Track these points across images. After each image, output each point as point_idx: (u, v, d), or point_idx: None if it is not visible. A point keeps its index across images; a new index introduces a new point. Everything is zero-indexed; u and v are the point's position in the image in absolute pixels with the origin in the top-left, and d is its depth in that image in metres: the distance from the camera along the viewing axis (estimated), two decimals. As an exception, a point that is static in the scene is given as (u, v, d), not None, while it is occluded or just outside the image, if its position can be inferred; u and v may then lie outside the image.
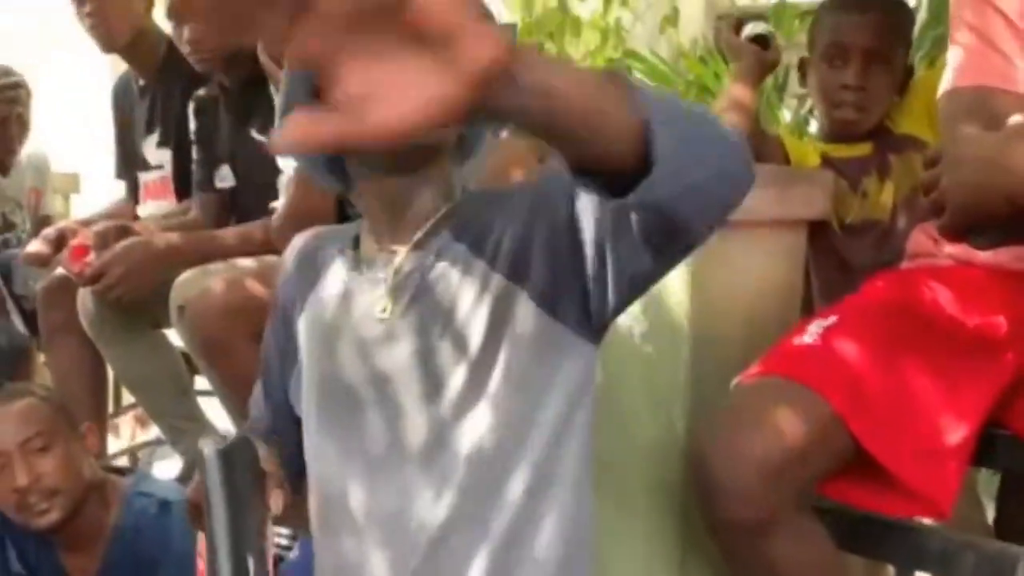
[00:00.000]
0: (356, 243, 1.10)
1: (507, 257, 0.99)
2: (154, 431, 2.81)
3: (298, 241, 1.18)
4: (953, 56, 1.13)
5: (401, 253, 1.04)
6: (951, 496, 1.15)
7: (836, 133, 1.75)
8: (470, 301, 1.00)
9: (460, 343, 1.00)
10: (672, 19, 3.57)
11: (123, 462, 2.81)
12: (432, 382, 1.00)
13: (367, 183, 1.06)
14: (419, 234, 1.04)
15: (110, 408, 2.63)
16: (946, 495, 1.15)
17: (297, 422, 1.13)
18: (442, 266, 1.02)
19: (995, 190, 0.95)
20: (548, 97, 0.64)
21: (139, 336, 2.13)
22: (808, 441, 1.12)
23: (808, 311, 1.65)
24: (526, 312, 0.98)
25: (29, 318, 2.53)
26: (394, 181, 1.04)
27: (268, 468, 1.06)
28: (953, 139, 1.04)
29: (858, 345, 1.20)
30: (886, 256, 1.66)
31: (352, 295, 1.06)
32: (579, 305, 0.97)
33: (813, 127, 3.21)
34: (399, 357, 1.02)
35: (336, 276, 1.09)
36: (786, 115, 3.81)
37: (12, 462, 1.54)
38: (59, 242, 2.45)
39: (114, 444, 2.83)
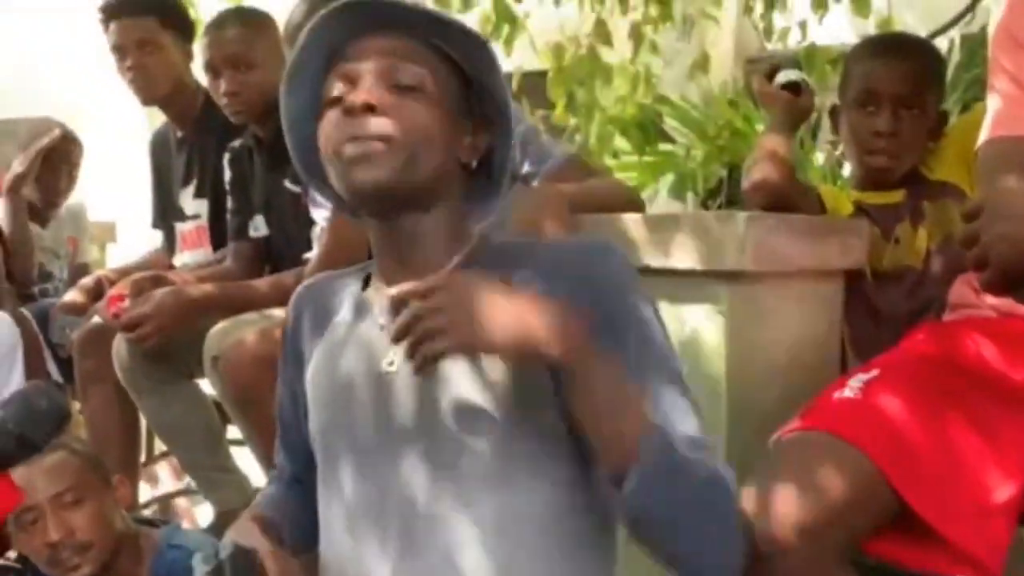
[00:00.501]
0: (367, 282, 1.09)
1: None
2: (187, 479, 2.83)
3: (304, 288, 1.17)
4: (992, 104, 1.11)
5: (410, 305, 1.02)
6: (1000, 555, 1.12)
7: (869, 180, 1.73)
8: (483, 373, 0.97)
9: (465, 401, 0.98)
10: (702, 64, 3.58)
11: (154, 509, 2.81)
12: (436, 441, 0.98)
13: (373, 221, 1.06)
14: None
15: (142, 456, 2.63)
16: (995, 554, 1.12)
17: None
18: None
19: None
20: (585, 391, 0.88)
21: (172, 386, 2.14)
22: (850, 498, 1.09)
23: (840, 359, 1.62)
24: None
25: (65, 366, 2.56)
26: (397, 222, 1.03)
27: (270, 565, 1.03)
28: (993, 192, 1.02)
29: (901, 400, 1.18)
30: (919, 304, 1.64)
31: (358, 343, 1.05)
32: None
33: (846, 170, 3.19)
34: (403, 415, 1.00)
35: (342, 323, 1.08)
36: (819, 158, 3.80)
37: (44, 516, 1.54)
38: (96, 291, 2.49)
39: (146, 492, 2.83)
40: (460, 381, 0.98)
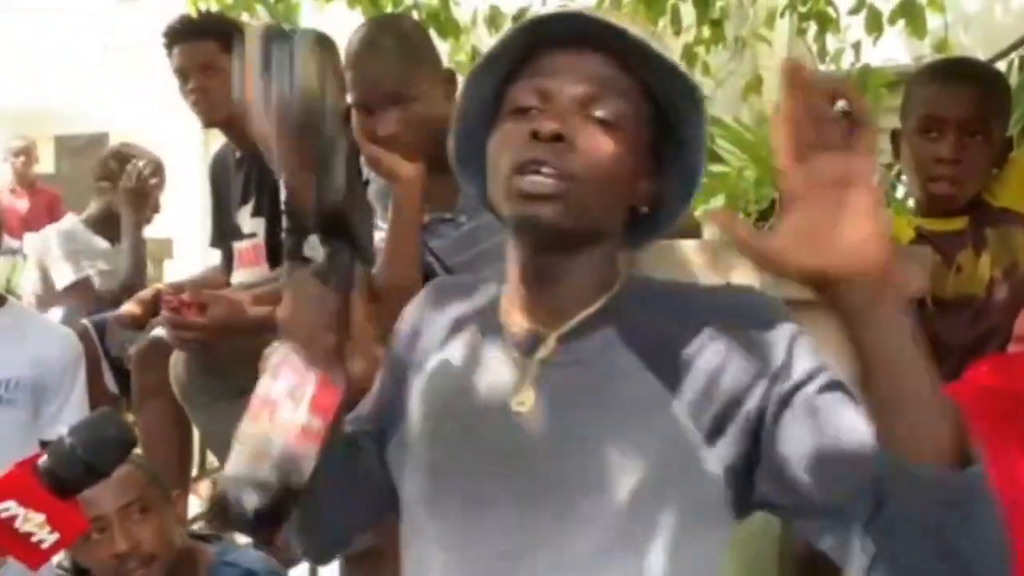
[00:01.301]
0: (495, 304, 1.00)
1: (683, 384, 0.88)
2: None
3: (439, 285, 1.09)
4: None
5: (549, 341, 0.94)
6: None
7: (931, 207, 1.70)
8: (623, 415, 0.89)
9: (603, 452, 0.88)
10: (755, 86, 3.56)
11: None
12: (568, 494, 0.88)
13: (522, 249, 0.96)
14: (573, 323, 0.94)
15: (194, 471, 2.68)
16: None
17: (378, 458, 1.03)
18: (599, 368, 0.91)
19: None
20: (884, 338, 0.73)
21: (227, 402, 2.15)
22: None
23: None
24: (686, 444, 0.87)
25: (121, 377, 2.61)
26: (551, 258, 0.94)
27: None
28: None
29: (966, 432, 1.15)
30: (981, 333, 1.61)
31: (484, 372, 0.96)
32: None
33: (899, 192, 3.15)
34: (530, 458, 0.90)
35: (467, 342, 0.99)
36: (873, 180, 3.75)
37: (112, 527, 1.56)
38: (153, 304, 2.53)
39: (193, 507, 2.87)
40: (599, 428, 0.89)
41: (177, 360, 2.15)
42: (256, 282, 2.42)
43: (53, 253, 2.97)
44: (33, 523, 1.11)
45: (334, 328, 0.93)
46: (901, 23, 3.51)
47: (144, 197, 2.76)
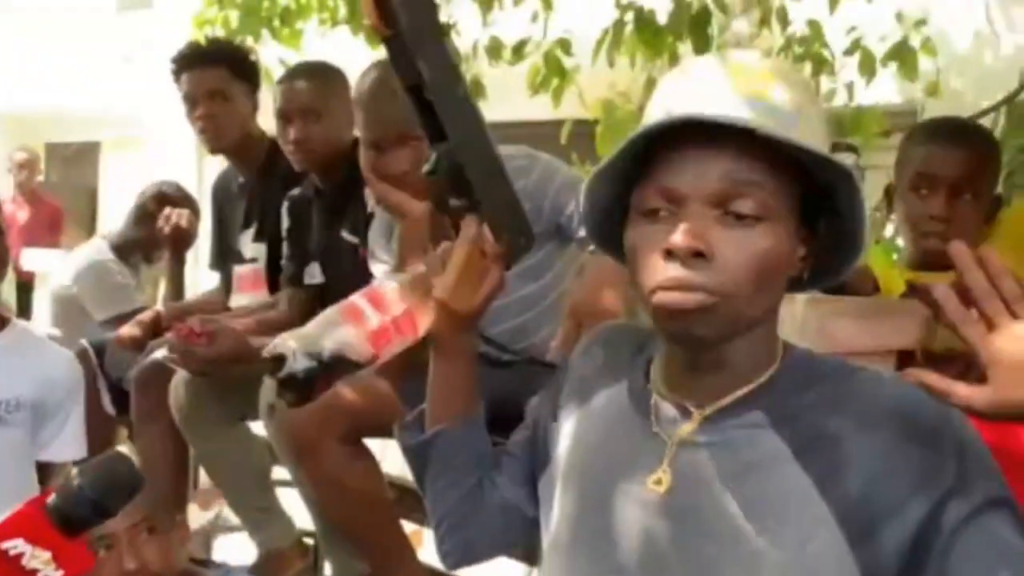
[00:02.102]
0: (649, 365, 0.96)
1: (837, 482, 0.82)
2: (215, 510, 2.90)
3: (611, 331, 1.06)
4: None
5: (693, 419, 0.89)
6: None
7: (923, 262, 1.75)
8: (764, 508, 0.83)
9: (744, 538, 0.82)
10: (750, 123, 3.61)
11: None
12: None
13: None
14: (722, 403, 0.88)
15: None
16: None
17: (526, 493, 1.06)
18: (744, 453, 0.86)
19: None
20: None
21: (226, 427, 2.19)
22: None
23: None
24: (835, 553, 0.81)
25: (118, 397, 2.62)
26: (704, 352, 0.88)
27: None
28: None
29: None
30: None
31: (627, 439, 0.93)
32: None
33: (888, 230, 3.21)
34: (662, 540, 0.86)
35: (617, 398, 0.97)
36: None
37: (120, 544, 1.57)
38: (153, 326, 2.56)
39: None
40: (735, 520, 0.83)
41: (177, 384, 2.18)
42: (255, 307, 2.46)
43: (98, 282, 2.98)
44: (39, 560, 1.12)
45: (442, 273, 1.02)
46: (893, 65, 3.59)
47: (184, 242, 2.80)
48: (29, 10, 8.48)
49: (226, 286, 2.62)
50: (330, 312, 1.06)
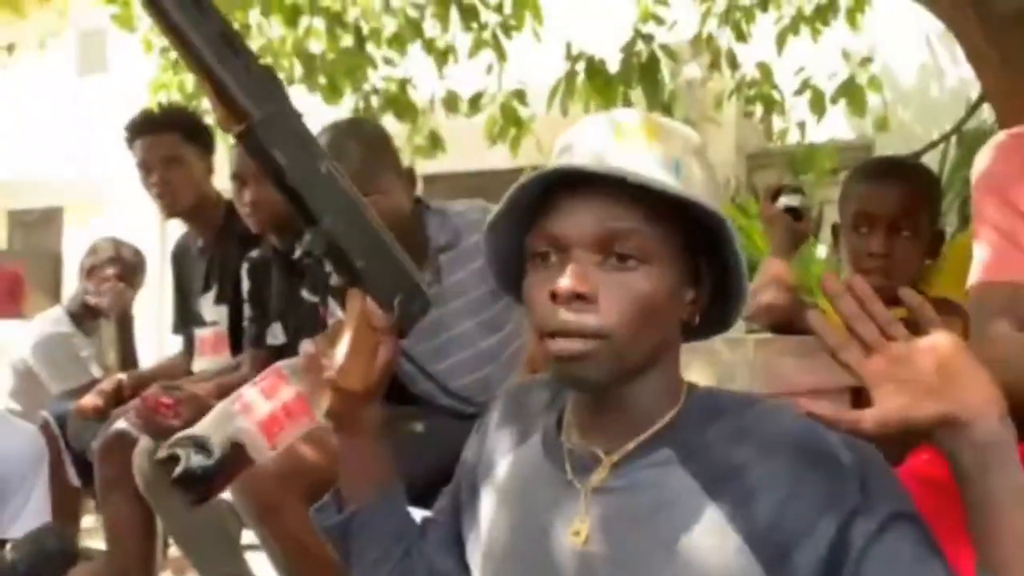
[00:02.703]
0: (561, 417, 0.97)
1: (745, 514, 0.84)
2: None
3: (515, 390, 1.07)
4: (979, 251, 1.17)
5: (603, 466, 0.91)
6: None
7: None
8: (677, 547, 0.85)
9: None
10: (705, 166, 3.68)
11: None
12: None
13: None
14: (628, 447, 0.90)
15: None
16: None
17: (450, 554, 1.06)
18: (653, 494, 0.88)
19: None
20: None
21: (191, 494, 2.17)
22: None
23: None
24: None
25: (82, 467, 2.59)
26: (602, 394, 0.91)
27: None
28: (983, 339, 1.07)
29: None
30: None
31: (545, 493, 0.94)
32: None
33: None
34: None
35: (533, 452, 0.98)
36: (822, 251, 3.89)
37: None
38: (115, 395, 2.54)
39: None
40: (651, 561, 0.86)
41: (140, 452, 2.15)
42: (218, 370, 2.45)
43: (53, 357, 2.96)
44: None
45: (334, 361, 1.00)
46: (843, 102, 3.68)
47: (118, 307, 2.78)
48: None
49: (188, 349, 2.61)
50: (222, 405, 1.04)
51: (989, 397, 0.79)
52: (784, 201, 1.88)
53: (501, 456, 1.02)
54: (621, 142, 0.88)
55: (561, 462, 0.94)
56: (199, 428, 1.01)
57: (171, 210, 2.47)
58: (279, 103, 1.00)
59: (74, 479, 2.63)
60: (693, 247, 0.90)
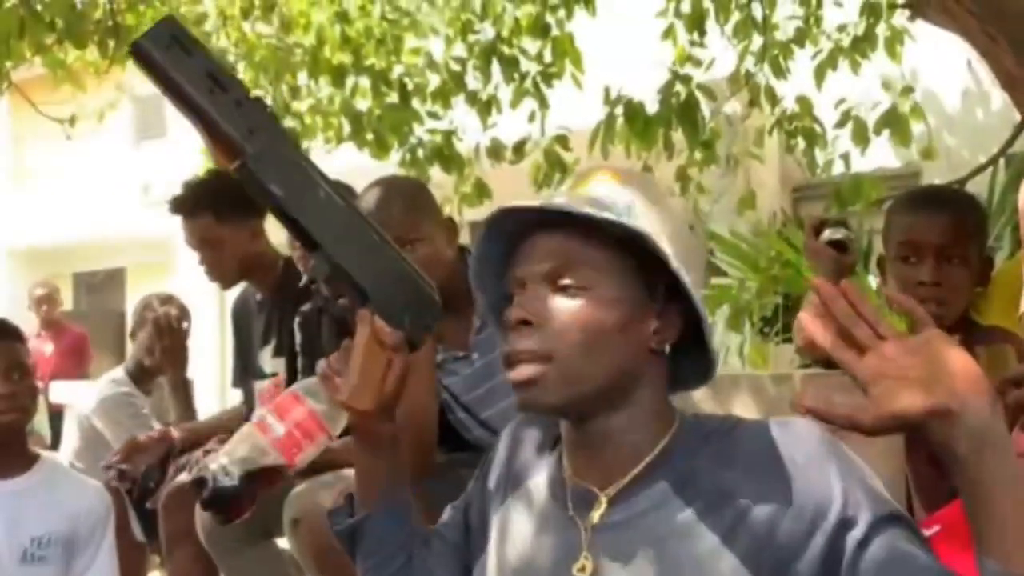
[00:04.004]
0: (560, 455, 1.00)
1: (740, 535, 0.87)
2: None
3: (520, 425, 1.10)
4: (1031, 271, 1.16)
5: (601, 503, 0.94)
6: None
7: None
8: (689, 570, 0.88)
9: None
10: (749, 201, 3.69)
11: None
12: None
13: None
14: (623, 482, 0.93)
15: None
16: None
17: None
18: (652, 528, 0.90)
19: None
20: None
21: (253, 546, 2.21)
22: None
23: (907, 507, 1.62)
24: None
25: (147, 522, 2.65)
26: (584, 425, 0.95)
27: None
28: None
29: (968, 556, 1.18)
30: None
31: (548, 530, 0.97)
32: None
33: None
34: None
35: (537, 486, 1.01)
36: (872, 282, 3.85)
37: None
38: (165, 439, 2.59)
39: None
40: None
41: (203, 507, 2.21)
42: (278, 424, 2.50)
43: (117, 417, 3.04)
44: None
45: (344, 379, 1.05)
46: (887, 132, 3.66)
47: (182, 350, 2.84)
48: (51, 146, 8.82)
49: (248, 402, 2.66)
50: (244, 428, 1.10)
51: (979, 387, 0.81)
52: (828, 235, 1.88)
53: (508, 490, 1.06)
54: (576, 187, 0.97)
55: (563, 498, 0.97)
56: (223, 452, 1.06)
57: (221, 284, 2.53)
58: (272, 134, 1.01)
59: (139, 535, 2.69)
60: (653, 282, 0.94)
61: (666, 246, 0.91)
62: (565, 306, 0.92)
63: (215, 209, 2.44)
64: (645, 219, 0.93)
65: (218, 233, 2.44)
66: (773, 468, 0.88)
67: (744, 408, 1.42)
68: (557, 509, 0.97)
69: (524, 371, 0.92)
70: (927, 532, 1.25)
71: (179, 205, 2.49)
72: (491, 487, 1.08)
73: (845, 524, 0.85)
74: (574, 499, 0.96)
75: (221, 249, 2.45)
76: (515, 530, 1.01)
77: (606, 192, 0.94)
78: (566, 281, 0.93)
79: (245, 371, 2.69)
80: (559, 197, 0.96)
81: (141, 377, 3.14)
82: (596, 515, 0.93)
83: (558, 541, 0.95)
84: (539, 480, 1.01)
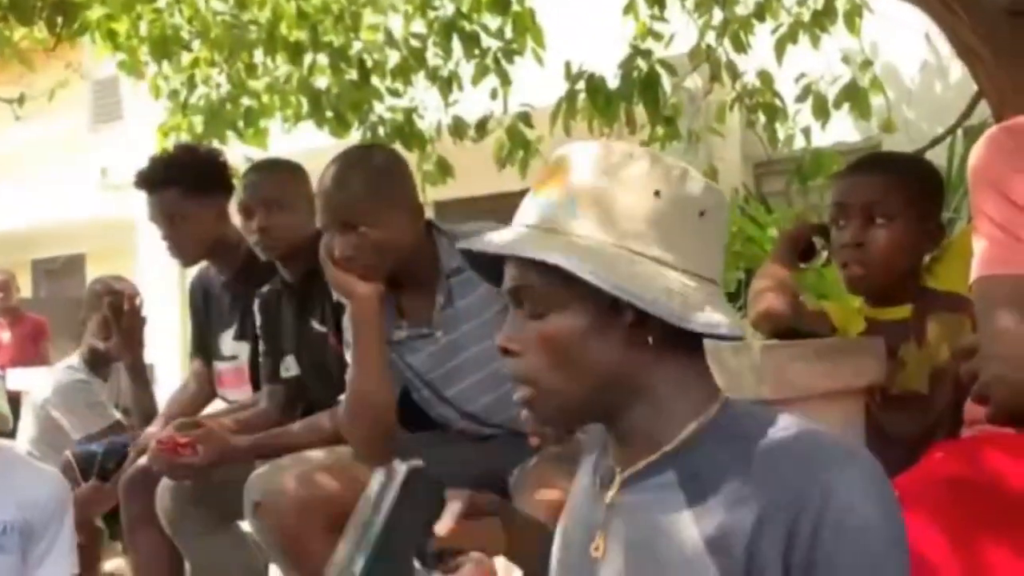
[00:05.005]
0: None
1: (733, 537, 0.86)
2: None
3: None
4: (979, 246, 1.17)
5: (616, 483, 0.96)
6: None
7: (852, 291, 1.76)
8: (674, 568, 0.89)
9: None
10: (711, 175, 3.67)
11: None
12: None
13: None
14: (639, 466, 0.94)
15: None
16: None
17: None
18: (654, 515, 0.91)
19: None
20: None
21: (215, 530, 2.19)
22: None
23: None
24: None
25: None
26: (606, 426, 0.97)
27: (452, 501, 1.03)
28: (989, 334, 1.06)
29: (924, 523, 1.18)
30: (924, 429, 1.63)
31: (584, 508, 1.01)
32: None
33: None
34: None
35: (585, 479, 1.05)
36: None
37: None
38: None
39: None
40: (649, 571, 0.90)
41: (162, 491, 2.18)
42: (235, 407, 2.47)
43: (72, 405, 3.00)
44: None
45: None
46: (847, 106, 3.67)
47: (138, 331, 2.78)
48: (5, 130, 8.65)
49: (208, 377, 2.62)
50: None
51: None
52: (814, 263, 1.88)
53: (582, 472, 1.08)
54: (535, 192, 0.96)
55: (598, 475, 1.00)
56: None
57: (184, 261, 2.50)
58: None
59: (97, 520, 2.66)
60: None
61: (598, 260, 0.89)
62: (533, 330, 0.94)
63: (183, 183, 2.42)
64: (586, 224, 0.91)
65: (184, 207, 2.41)
66: (784, 474, 0.85)
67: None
68: (592, 488, 1.00)
69: (520, 392, 0.96)
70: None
71: (146, 178, 2.46)
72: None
73: (818, 540, 0.83)
74: (603, 477, 0.98)
75: (186, 225, 2.42)
76: (568, 510, 1.05)
77: (555, 199, 0.93)
78: (528, 305, 0.94)
79: (204, 351, 2.65)
80: (507, 231, 0.96)
81: (96, 362, 3.09)
82: (609, 495, 0.95)
83: (588, 518, 0.99)
84: (587, 472, 1.04)
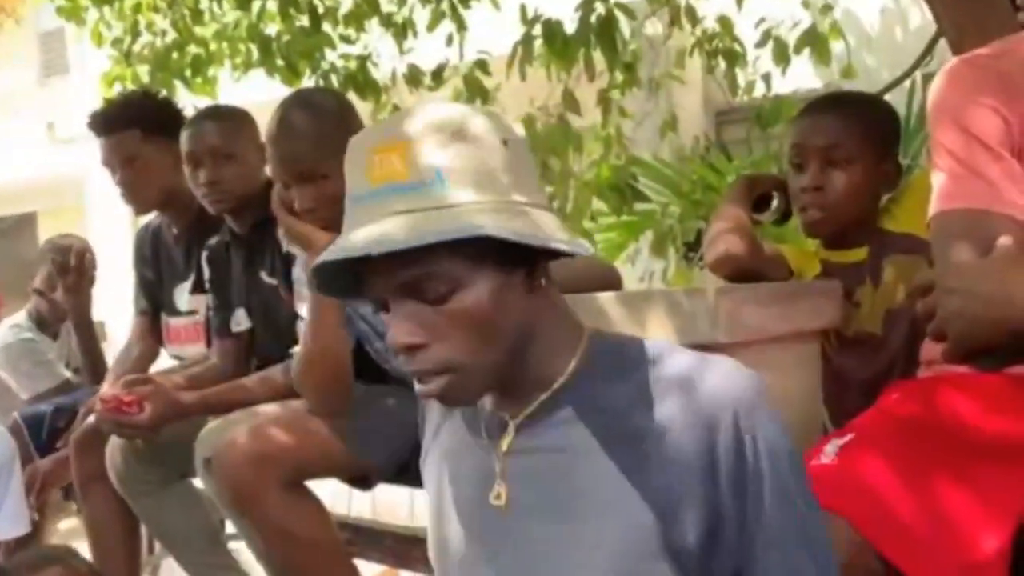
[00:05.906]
0: None
1: (641, 468, 0.89)
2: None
3: None
4: (937, 180, 1.14)
5: (510, 429, 0.95)
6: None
7: (810, 235, 1.74)
8: (582, 506, 0.90)
9: (568, 560, 0.91)
10: (671, 124, 3.66)
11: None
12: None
13: None
14: (529, 409, 0.94)
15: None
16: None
17: None
18: (556, 455, 0.92)
19: (993, 323, 0.94)
20: None
21: (167, 488, 2.15)
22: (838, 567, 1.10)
23: (823, 422, 1.62)
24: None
25: None
26: None
27: None
28: (946, 268, 1.04)
29: (879, 462, 1.19)
30: (878, 371, 1.63)
31: (469, 459, 0.99)
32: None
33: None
34: (512, 552, 0.94)
35: (456, 422, 1.02)
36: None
37: None
38: None
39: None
40: (560, 521, 0.91)
41: (113, 450, 2.13)
42: (187, 363, 2.41)
43: (18, 365, 2.93)
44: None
45: None
46: (807, 52, 3.64)
47: (86, 288, 2.70)
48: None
49: (157, 337, 2.56)
50: None
51: None
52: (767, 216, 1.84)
53: (436, 426, 1.06)
54: (377, 179, 0.88)
55: (479, 428, 0.98)
56: None
57: (138, 208, 2.42)
58: None
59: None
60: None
61: (506, 219, 0.86)
62: (440, 315, 0.88)
63: (141, 124, 2.35)
64: (465, 191, 0.87)
65: (142, 151, 2.34)
66: (679, 401, 0.89)
67: (659, 323, 1.40)
68: (474, 439, 0.99)
69: (433, 386, 0.90)
70: (840, 441, 1.26)
71: (103, 120, 2.37)
72: (426, 426, 1.09)
73: (733, 477, 0.88)
74: (489, 429, 0.97)
75: (145, 169, 2.35)
76: (442, 465, 1.03)
77: (417, 179, 0.87)
78: (429, 292, 0.88)
79: (154, 304, 2.57)
80: (367, 204, 0.88)
81: (43, 320, 3.01)
82: (505, 442, 0.95)
83: (477, 470, 0.97)
84: (459, 421, 1.02)
